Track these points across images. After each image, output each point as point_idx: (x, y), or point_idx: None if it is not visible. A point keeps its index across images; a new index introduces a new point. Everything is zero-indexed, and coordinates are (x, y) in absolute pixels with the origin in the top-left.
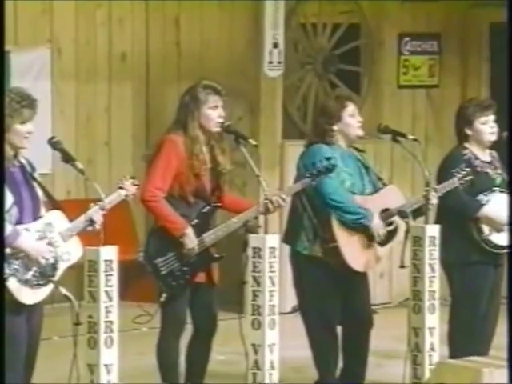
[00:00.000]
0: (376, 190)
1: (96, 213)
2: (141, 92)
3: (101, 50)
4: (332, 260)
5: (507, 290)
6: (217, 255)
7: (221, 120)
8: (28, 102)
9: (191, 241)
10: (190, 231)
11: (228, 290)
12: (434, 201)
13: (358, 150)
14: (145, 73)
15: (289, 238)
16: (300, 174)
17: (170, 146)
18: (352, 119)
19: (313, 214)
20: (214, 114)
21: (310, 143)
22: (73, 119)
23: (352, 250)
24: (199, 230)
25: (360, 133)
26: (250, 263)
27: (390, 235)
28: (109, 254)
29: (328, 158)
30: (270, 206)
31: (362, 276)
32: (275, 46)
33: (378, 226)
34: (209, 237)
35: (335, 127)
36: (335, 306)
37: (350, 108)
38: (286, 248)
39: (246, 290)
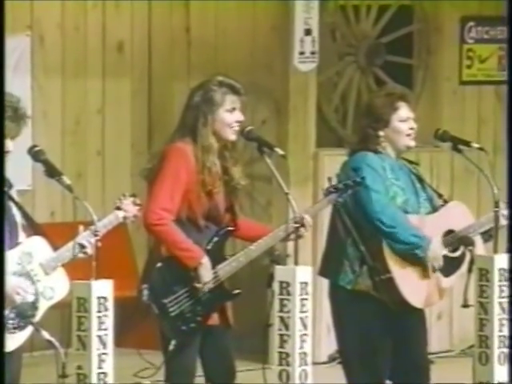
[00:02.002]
0: (435, 209)
1: (87, 239)
2: (142, 90)
3: (92, 38)
4: (384, 295)
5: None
6: (233, 291)
7: (239, 126)
8: (12, 114)
9: (208, 273)
10: (207, 261)
11: (248, 334)
12: (504, 222)
13: (411, 163)
14: (147, 66)
15: (328, 269)
16: None
17: (178, 157)
18: (403, 125)
19: (359, 239)
20: (231, 117)
21: (353, 151)
22: (58, 123)
23: (410, 281)
24: (211, 260)
25: (411, 143)
26: (276, 301)
27: (456, 263)
28: (103, 289)
29: (355, 169)
30: (303, 230)
31: (419, 316)
32: (308, 32)
33: (436, 255)
34: (223, 269)
35: (381, 133)
36: (385, 354)
37: (402, 111)
38: (322, 283)
39: (272, 334)
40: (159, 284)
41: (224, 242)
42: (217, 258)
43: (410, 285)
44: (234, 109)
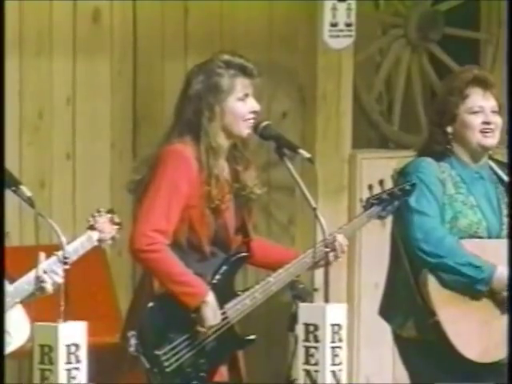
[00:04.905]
0: None
1: (52, 267)
2: (124, 73)
3: (59, 5)
4: (435, 343)
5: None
6: (246, 337)
7: (254, 117)
8: None
9: (214, 314)
10: (212, 299)
11: None
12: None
13: (499, 163)
14: (131, 42)
15: (383, 308)
16: None
17: (177, 162)
18: (474, 118)
19: (410, 270)
20: (244, 107)
21: (418, 154)
22: (15, 117)
23: (462, 327)
24: (219, 297)
25: (487, 142)
26: (300, 350)
27: None
28: (74, 334)
29: (404, 173)
30: (332, 256)
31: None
32: None
33: (504, 285)
34: (234, 308)
35: (449, 129)
36: None
37: (474, 99)
38: (360, 324)
39: None
40: (150, 330)
41: (235, 272)
42: (225, 293)
43: (463, 331)
44: (246, 95)
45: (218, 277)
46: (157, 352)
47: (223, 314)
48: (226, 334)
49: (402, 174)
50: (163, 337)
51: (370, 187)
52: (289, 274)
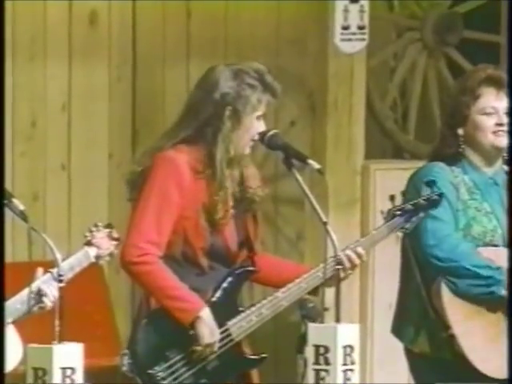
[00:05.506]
0: None
1: (47, 286)
2: (123, 78)
3: (55, 6)
4: (449, 358)
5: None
6: (253, 356)
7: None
8: None
9: (210, 331)
10: (207, 314)
11: None
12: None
13: None
14: (130, 45)
15: (395, 325)
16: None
17: (167, 170)
18: (486, 119)
19: (421, 281)
20: (256, 126)
21: (430, 159)
22: (7, 125)
23: (478, 340)
24: (221, 314)
25: (501, 142)
26: (309, 373)
27: None
28: (69, 357)
29: (429, 183)
30: (342, 273)
31: None
32: None
33: None
34: (237, 325)
35: (460, 131)
36: None
37: (486, 99)
38: (374, 344)
39: None
40: (145, 348)
41: (238, 288)
42: (228, 310)
43: (480, 345)
44: (263, 115)
45: (219, 292)
46: (151, 371)
47: (226, 331)
48: (230, 353)
49: (412, 181)
50: (159, 355)
51: (393, 197)
52: (300, 289)
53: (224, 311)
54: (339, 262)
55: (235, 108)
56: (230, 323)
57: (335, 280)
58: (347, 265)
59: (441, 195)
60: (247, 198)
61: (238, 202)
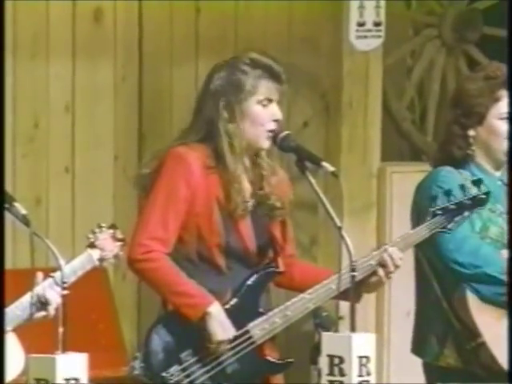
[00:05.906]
0: None
1: (49, 292)
2: (129, 78)
3: (58, 4)
4: (477, 369)
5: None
6: (278, 361)
7: (274, 127)
8: None
9: (221, 327)
10: (217, 309)
11: None
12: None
13: None
14: (136, 44)
15: (415, 344)
16: (415, 217)
17: (175, 165)
18: (503, 124)
19: (441, 293)
20: (263, 113)
21: (435, 165)
22: (8, 126)
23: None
24: (241, 316)
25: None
26: None
27: None
28: (73, 367)
29: (476, 182)
30: (382, 272)
31: None
32: None
33: None
34: (260, 326)
35: (471, 132)
36: None
37: (505, 103)
38: (390, 355)
39: None
40: (156, 351)
41: (261, 288)
42: (250, 311)
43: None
44: (269, 101)
45: (240, 293)
46: (165, 374)
47: (246, 332)
48: (252, 356)
49: (419, 189)
50: (170, 356)
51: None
52: (328, 291)
53: (245, 313)
54: (353, 269)
55: (228, 98)
56: (250, 325)
57: (375, 280)
58: (390, 265)
59: (488, 194)
60: (267, 204)
61: (257, 204)
